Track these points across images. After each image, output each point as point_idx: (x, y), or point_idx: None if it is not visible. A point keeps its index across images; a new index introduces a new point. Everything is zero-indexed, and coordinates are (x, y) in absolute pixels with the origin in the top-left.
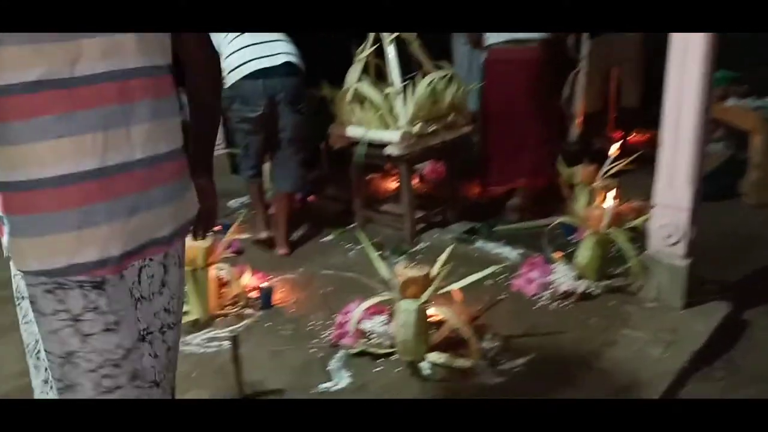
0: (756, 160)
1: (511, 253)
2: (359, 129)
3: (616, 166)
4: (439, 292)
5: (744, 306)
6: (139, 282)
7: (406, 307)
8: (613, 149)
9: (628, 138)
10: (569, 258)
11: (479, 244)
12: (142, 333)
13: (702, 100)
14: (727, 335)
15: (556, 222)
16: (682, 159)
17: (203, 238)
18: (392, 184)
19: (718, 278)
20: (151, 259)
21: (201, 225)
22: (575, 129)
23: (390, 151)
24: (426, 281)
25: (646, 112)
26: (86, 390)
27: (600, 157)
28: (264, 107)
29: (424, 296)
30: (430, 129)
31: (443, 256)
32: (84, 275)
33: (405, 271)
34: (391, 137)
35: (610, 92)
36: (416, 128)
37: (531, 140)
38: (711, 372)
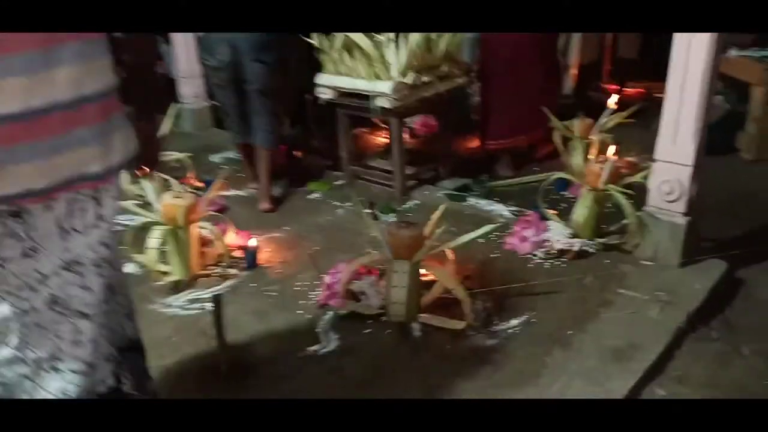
0: (756, 113)
1: (504, 210)
2: (348, 79)
3: (612, 119)
4: (431, 252)
5: (741, 264)
6: (71, 215)
7: (399, 268)
8: (611, 102)
9: (624, 90)
10: (563, 215)
11: (471, 201)
12: (67, 262)
13: (711, 52)
14: (724, 294)
15: (552, 177)
16: (686, 114)
17: (149, 172)
18: (381, 139)
19: (714, 235)
20: (78, 192)
21: (143, 160)
22: (569, 81)
23: (381, 103)
24: (419, 241)
25: (644, 63)
26: (4, 309)
27: (595, 111)
28: (227, 57)
29: (417, 256)
30: (424, 80)
31: (436, 215)
32: (4, 205)
33: (397, 230)
34: (383, 88)
35: (606, 43)
36: (409, 79)
37: (533, 94)
38: (707, 332)
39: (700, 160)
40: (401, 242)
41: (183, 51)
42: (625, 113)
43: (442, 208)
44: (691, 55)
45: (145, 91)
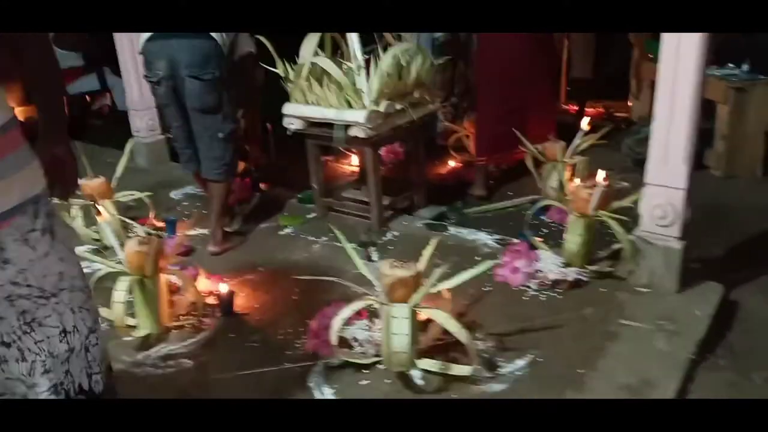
0: (722, 131)
1: (488, 239)
2: (318, 108)
3: (585, 141)
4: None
5: (731, 284)
6: None
7: (398, 314)
8: (584, 124)
9: (585, 111)
10: (547, 241)
11: (452, 230)
12: None
13: (700, 72)
14: (722, 318)
15: (539, 205)
16: (677, 136)
17: (65, 200)
18: (349, 168)
19: (698, 255)
20: None
21: (58, 190)
22: None
23: (355, 132)
24: (416, 281)
25: (598, 82)
26: None
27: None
28: (164, 71)
29: (415, 299)
30: (397, 107)
31: (428, 251)
32: None
33: (392, 270)
34: (356, 117)
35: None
36: (382, 107)
37: (529, 108)
38: (715, 361)
39: (693, 182)
40: (398, 284)
41: (134, 82)
42: (597, 134)
43: (433, 242)
44: (678, 74)
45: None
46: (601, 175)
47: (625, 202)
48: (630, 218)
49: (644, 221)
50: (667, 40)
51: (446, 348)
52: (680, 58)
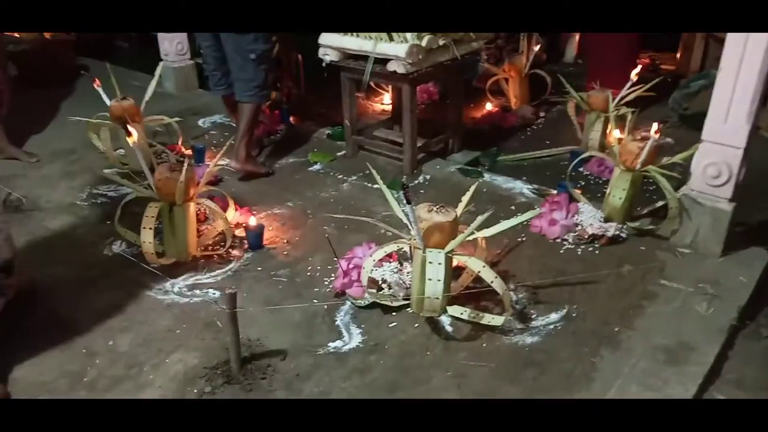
0: None
1: (523, 187)
2: (356, 40)
3: (634, 91)
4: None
5: None
6: None
7: (433, 259)
8: (633, 73)
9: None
10: (585, 194)
11: (487, 177)
12: None
13: None
14: (765, 286)
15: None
16: (741, 92)
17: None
18: (380, 105)
19: (742, 218)
20: None
21: None
22: (572, 48)
23: (394, 67)
24: (453, 228)
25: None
26: None
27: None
28: None
29: (451, 245)
30: (441, 43)
31: (466, 197)
32: None
33: (430, 215)
34: (396, 51)
35: None
36: (425, 41)
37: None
38: (756, 329)
39: (751, 142)
40: (434, 229)
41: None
42: (645, 86)
43: (472, 188)
44: None
45: None
46: (653, 127)
47: (677, 158)
48: (679, 176)
49: (695, 179)
50: None
51: (477, 296)
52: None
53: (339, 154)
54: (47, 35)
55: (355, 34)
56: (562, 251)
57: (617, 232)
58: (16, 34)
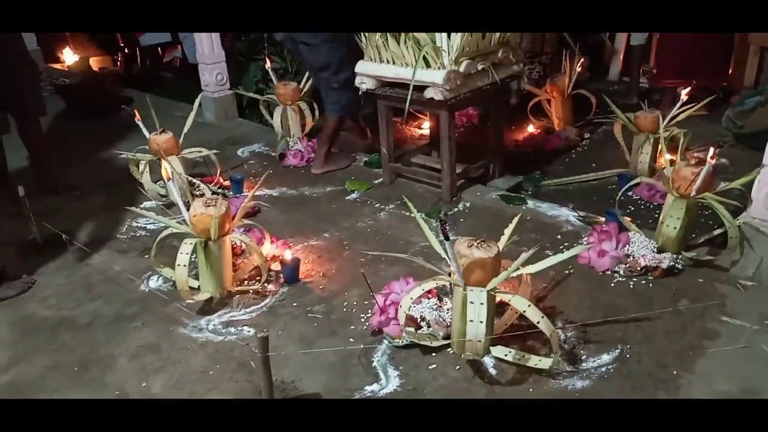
0: None
1: (569, 215)
2: (392, 67)
3: (684, 111)
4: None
5: None
6: None
7: (474, 299)
8: (683, 93)
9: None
10: (635, 221)
11: (530, 203)
12: None
13: None
14: None
15: (634, 182)
16: None
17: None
18: (419, 131)
19: None
20: None
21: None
22: (617, 65)
23: (431, 94)
24: (496, 264)
25: None
26: None
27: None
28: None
29: (494, 283)
30: (479, 67)
31: (509, 229)
32: None
33: (470, 250)
34: (434, 78)
35: None
36: (463, 67)
37: (710, 42)
38: None
39: None
40: (475, 265)
41: (204, 35)
42: (697, 105)
43: (515, 220)
44: None
45: None
46: (710, 151)
47: (735, 184)
48: (737, 202)
49: (756, 207)
50: None
51: (523, 334)
52: None
53: (376, 182)
54: (95, 68)
55: (391, 61)
56: (612, 284)
57: (672, 263)
58: (66, 67)
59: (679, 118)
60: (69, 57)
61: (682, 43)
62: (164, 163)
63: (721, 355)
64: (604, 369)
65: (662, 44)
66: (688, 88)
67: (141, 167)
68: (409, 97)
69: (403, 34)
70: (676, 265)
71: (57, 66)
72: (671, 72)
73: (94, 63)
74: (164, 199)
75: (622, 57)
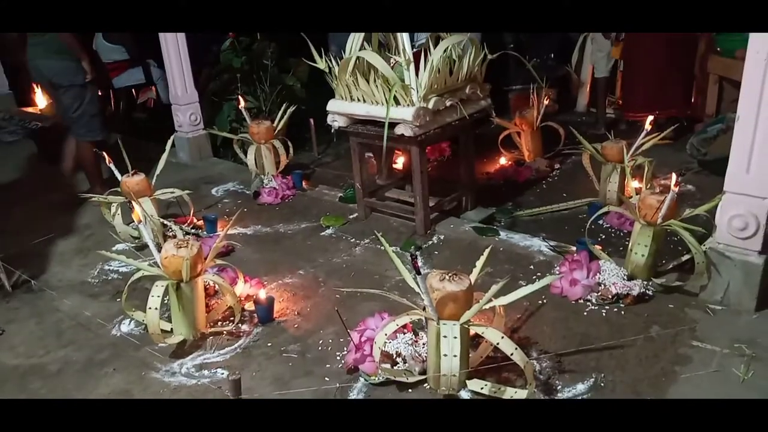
0: None
1: (541, 245)
2: (363, 106)
3: (649, 140)
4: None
5: None
6: None
7: (448, 333)
8: (648, 122)
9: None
10: (605, 249)
11: (503, 234)
12: None
13: None
14: None
15: (602, 210)
16: (763, 140)
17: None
18: (393, 166)
19: None
20: None
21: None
22: (583, 97)
23: (402, 131)
24: (468, 296)
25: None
26: None
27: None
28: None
29: (467, 316)
30: (447, 104)
31: (481, 261)
32: None
33: (442, 284)
34: (403, 115)
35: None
36: (431, 104)
37: (669, 74)
38: None
39: None
40: (448, 299)
41: (178, 76)
42: (661, 134)
43: (487, 252)
44: None
45: None
46: (672, 179)
47: (699, 210)
48: (701, 227)
49: (721, 232)
50: (756, 34)
51: (498, 367)
52: None
53: (351, 216)
54: None
55: (362, 99)
56: (585, 313)
57: (643, 290)
58: (38, 111)
59: (644, 147)
60: (41, 100)
61: (647, 74)
62: (136, 206)
63: (693, 379)
64: (578, 398)
65: (627, 76)
66: (651, 117)
67: (112, 210)
68: (385, 134)
69: (372, 73)
70: (647, 291)
71: (29, 110)
72: (637, 103)
73: None
74: (137, 241)
75: (588, 89)
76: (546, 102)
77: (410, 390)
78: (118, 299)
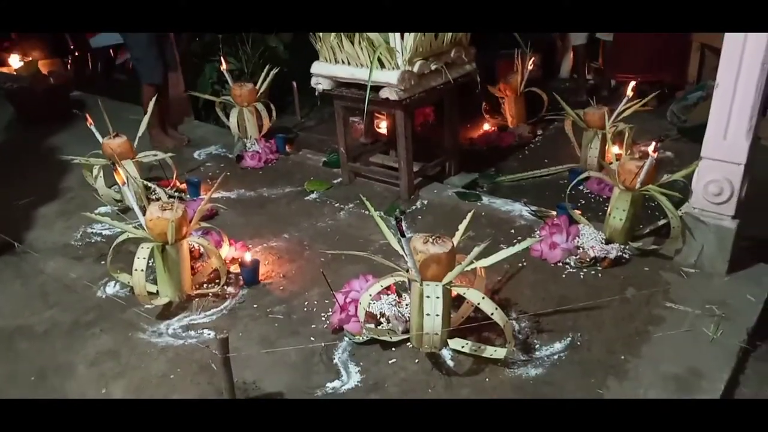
0: None
1: (522, 210)
2: (347, 68)
3: (630, 107)
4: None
5: None
6: None
7: (430, 293)
8: (629, 89)
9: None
10: (585, 214)
11: (485, 200)
12: None
13: None
14: None
15: (583, 176)
16: (739, 107)
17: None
18: (377, 130)
19: (747, 233)
20: None
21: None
22: (567, 64)
23: (387, 94)
24: (451, 259)
25: None
26: None
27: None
28: None
29: (449, 277)
30: (432, 67)
31: (464, 225)
32: None
33: (426, 246)
34: (388, 78)
35: None
36: (417, 67)
37: (667, 37)
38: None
39: (752, 157)
40: (431, 261)
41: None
42: (641, 100)
43: (469, 215)
44: (748, 40)
45: None
46: (651, 146)
47: (676, 176)
48: (678, 193)
49: (696, 197)
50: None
51: (479, 327)
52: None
53: (335, 181)
54: (44, 71)
55: (346, 62)
56: (564, 276)
57: (619, 254)
58: (13, 71)
59: (625, 114)
60: (15, 61)
61: (640, 36)
62: (118, 167)
63: (666, 339)
64: (556, 357)
65: (619, 37)
66: (633, 83)
67: (94, 172)
68: (366, 96)
69: (357, 35)
70: (624, 255)
71: (4, 70)
72: (627, 65)
73: (43, 66)
74: (119, 204)
75: (572, 55)
76: (530, 68)
77: (393, 349)
78: (102, 262)
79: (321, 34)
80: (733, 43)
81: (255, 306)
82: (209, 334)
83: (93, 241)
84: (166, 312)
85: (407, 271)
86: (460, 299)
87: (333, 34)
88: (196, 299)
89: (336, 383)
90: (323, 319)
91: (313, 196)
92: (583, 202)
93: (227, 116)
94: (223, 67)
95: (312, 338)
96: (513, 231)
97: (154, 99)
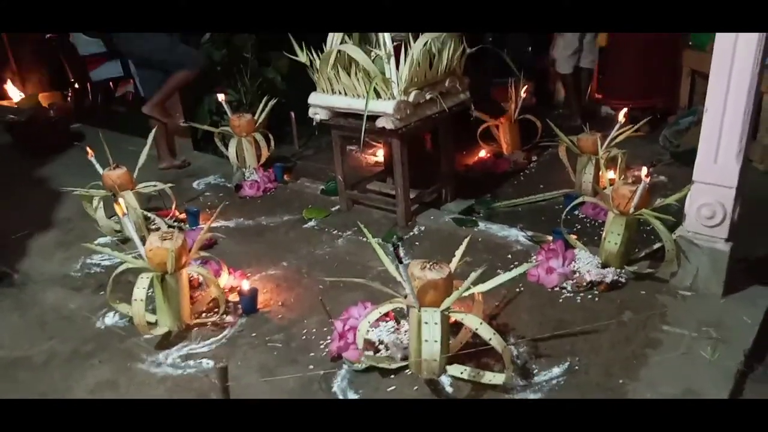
0: None
1: (518, 235)
2: (344, 99)
3: (623, 133)
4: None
5: None
6: None
7: (429, 319)
8: (621, 114)
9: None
10: (581, 238)
11: (481, 225)
12: None
13: (758, 64)
14: None
15: (578, 201)
16: (729, 131)
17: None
18: (374, 159)
19: (741, 254)
20: None
21: None
22: (561, 90)
23: (383, 124)
24: (448, 284)
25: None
26: None
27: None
28: None
29: (447, 303)
30: (428, 97)
31: (460, 250)
32: None
33: (423, 272)
34: (384, 108)
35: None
36: (412, 96)
37: (653, 65)
38: (766, 372)
39: (744, 180)
40: (429, 287)
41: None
42: (634, 126)
43: (466, 241)
44: (735, 66)
45: None
46: (643, 170)
47: (670, 200)
48: (672, 216)
49: (690, 221)
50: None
51: (477, 352)
52: (737, 48)
53: (333, 209)
54: (44, 103)
55: (343, 92)
56: (561, 300)
57: (616, 278)
58: (14, 104)
59: (618, 140)
60: (14, 93)
61: (632, 62)
62: (120, 199)
63: (663, 362)
64: (555, 381)
65: (613, 64)
66: (625, 110)
67: (94, 203)
68: (363, 126)
69: (353, 67)
70: (620, 278)
71: (4, 103)
72: (621, 91)
73: (44, 99)
74: (119, 234)
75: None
76: (524, 95)
77: (392, 376)
78: (101, 292)
79: (318, 66)
80: (720, 69)
81: (254, 334)
82: (208, 364)
83: (92, 271)
84: (165, 342)
85: (405, 297)
86: (458, 325)
87: (330, 66)
88: (195, 329)
89: None
90: (322, 346)
91: (312, 223)
92: (579, 226)
93: (226, 146)
94: (221, 98)
95: (311, 366)
96: (510, 256)
97: (154, 130)
